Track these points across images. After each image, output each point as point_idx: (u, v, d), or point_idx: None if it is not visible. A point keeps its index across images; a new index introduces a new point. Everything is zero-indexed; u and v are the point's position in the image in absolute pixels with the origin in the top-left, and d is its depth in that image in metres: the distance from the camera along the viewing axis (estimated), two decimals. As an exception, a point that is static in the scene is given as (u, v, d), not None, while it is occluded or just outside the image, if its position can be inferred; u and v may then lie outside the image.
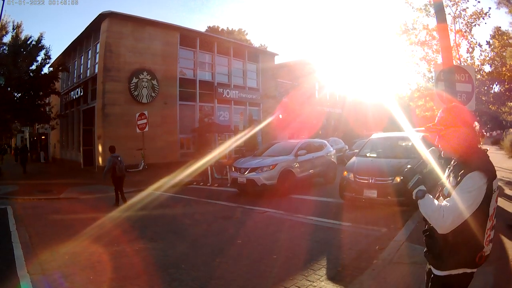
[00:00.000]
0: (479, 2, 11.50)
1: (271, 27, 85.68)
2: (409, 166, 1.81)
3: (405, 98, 18.58)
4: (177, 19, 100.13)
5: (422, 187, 1.71)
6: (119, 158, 8.54)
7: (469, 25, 11.69)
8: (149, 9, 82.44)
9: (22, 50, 16.54)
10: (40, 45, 17.05)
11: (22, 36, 17.06)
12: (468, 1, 11.58)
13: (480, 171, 1.59)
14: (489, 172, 1.61)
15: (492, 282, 3.34)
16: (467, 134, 1.70)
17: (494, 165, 1.71)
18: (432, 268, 1.74)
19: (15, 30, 16.88)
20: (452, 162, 1.82)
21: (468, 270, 1.67)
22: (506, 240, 4.37)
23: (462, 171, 1.63)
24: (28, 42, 16.96)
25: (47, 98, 18.99)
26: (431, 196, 1.69)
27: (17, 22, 17.08)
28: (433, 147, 1.83)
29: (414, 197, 1.70)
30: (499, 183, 8.68)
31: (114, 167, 8.42)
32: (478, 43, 12.28)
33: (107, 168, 8.46)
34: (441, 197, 1.74)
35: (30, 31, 59.12)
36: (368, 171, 6.88)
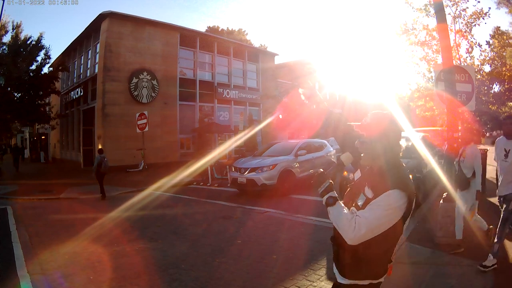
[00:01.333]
0: (478, 2, 11.51)
1: (271, 27, 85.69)
2: (321, 170, 1.72)
3: (405, 98, 18.59)
4: (177, 19, 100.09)
5: (333, 194, 1.60)
6: (105, 159, 9.96)
7: (469, 25, 11.69)
8: (149, 9, 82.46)
9: (22, 50, 16.55)
10: (40, 45, 17.07)
11: (22, 36, 17.09)
12: (468, 1, 11.58)
13: (401, 190, 1.49)
14: (409, 190, 1.52)
15: (491, 282, 3.34)
16: (386, 145, 1.61)
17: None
18: (338, 276, 1.66)
19: (14, 30, 16.90)
20: (367, 169, 1.71)
21: (375, 281, 1.59)
22: (506, 240, 4.35)
23: (381, 186, 1.51)
24: (28, 42, 16.97)
25: (47, 98, 19.00)
26: (342, 204, 1.58)
27: (17, 22, 17.12)
28: (347, 153, 1.73)
29: (324, 203, 1.60)
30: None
31: (100, 164, 9.72)
32: (478, 43, 12.28)
33: (95, 165, 9.87)
34: (353, 206, 1.61)
35: (30, 31, 59.10)
36: (368, 171, 6.87)
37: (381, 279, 1.61)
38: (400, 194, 1.49)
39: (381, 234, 1.48)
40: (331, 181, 1.66)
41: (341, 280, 1.64)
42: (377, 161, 1.62)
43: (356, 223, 1.46)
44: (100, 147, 11.66)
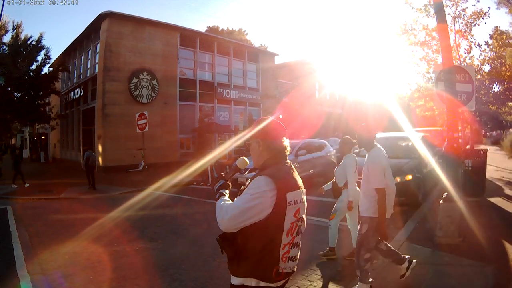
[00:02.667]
0: (478, 1, 11.51)
1: (271, 27, 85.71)
2: (223, 174, 1.82)
3: (405, 98, 18.60)
4: (177, 19, 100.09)
5: (224, 191, 1.69)
6: (93, 154, 11.99)
7: (468, 25, 11.69)
8: (149, 9, 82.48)
9: (22, 50, 16.55)
10: (40, 45, 17.07)
11: (22, 36, 17.09)
12: (467, 1, 11.58)
13: (269, 177, 1.53)
14: (281, 181, 1.54)
15: (492, 282, 3.34)
16: (265, 148, 1.67)
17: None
18: (231, 276, 1.64)
19: (15, 30, 16.89)
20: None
21: (263, 284, 1.55)
22: (506, 240, 4.36)
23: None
24: (28, 42, 16.97)
25: (47, 98, 18.99)
26: (227, 198, 1.65)
27: (17, 22, 17.12)
28: (242, 157, 1.77)
29: (216, 198, 1.68)
30: (499, 183, 8.70)
31: (88, 159, 11.53)
32: (477, 43, 12.27)
33: (84, 160, 11.76)
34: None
35: (30, 31, 59.13)
36: (368, 171, 6.87)
37: (272, 285, 1.56)
38: (266, 180, 1.52)
39: (256, 226, 1.49)
40: (224, 181, 1.74)
41: (232, 280, 1.62)
42: (259, 160, 1.70)
43: (225, 208, 1.53)
44: (89, 146, 14.13)
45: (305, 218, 1.67)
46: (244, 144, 1.81)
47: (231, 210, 1.50)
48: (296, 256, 1.63)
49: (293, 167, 1.72)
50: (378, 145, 3.45)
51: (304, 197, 1.68)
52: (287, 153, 1.72)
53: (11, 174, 12.68)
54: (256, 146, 1.71)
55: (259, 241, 1.51)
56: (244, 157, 1.78)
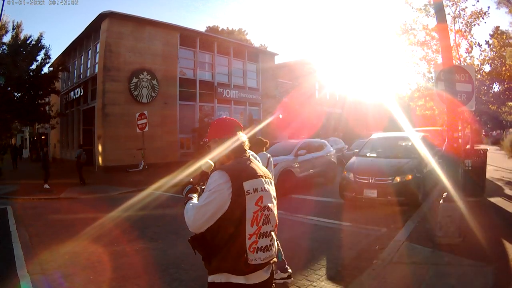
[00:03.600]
0: (478, 1, 11.50)
1: (271, 27, 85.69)
2: (191, 179, 1.89)
3: (405, 98, 18.59)
4: (177, 19, 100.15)
5: (192, 195, 1.75)
6: (83, 152, 12.76)
7: (468, 25, 11.67)
8: (149, 9, 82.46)
9: (21, 50, 16.54)
10: (40, 45, 17.06)
11: (22, 36, 17.08)
12: (466, 0, 11.57)
13: (222, 170, 1.58)
14: (234, 171, 1.57)
15: (492, 282, 3.34)
16: (217, 144, 1.75)
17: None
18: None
19: (15, 30, 16.88)
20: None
21: (234, 280, 1.54)
22: (506, 240, 4.36)
23: None
24: (28, 42, 16.96)
25: (47, 98, 18.99)
26: (194, 201, 1.70)
27: (17, 22, 17.10)
28: (206, 160, 1.83)
29: (184, 202, 1.73)
30: (499, 183, 8.70)
31: (79, 156, 12.49)
32: (477, 43, 12.26)
33: (75, 156, 12.77)
34: None
35: (30, 31, 59.03)
36: (368, 171, 6.89)
37: (243, 280, 1.54)
38: (220, 173, 1.56)
39: (220, 220, 1.51)
40: (192, 185, 1.82)
41: (208, 278, 1.66)
42: (219, 158, 1.75)
43: (189, 210, 1.58)
44: (80, 144, 15.61)
45: (272, 207, 1.64)
46: (205, 147, 1.77)
47: (193, 212, 1.54)
48: (267, 246, 1.59)
49: (252, 158, 1.75)
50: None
51: (269, 186, 1.66)
52: (246, 147, 1.76)
53: (11, 174, 12.68)
54: (215, 146, 1.77)
55: (224, 234, 1.52)
56: (208, 160, 1.83)
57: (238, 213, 1.52)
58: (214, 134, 1.80)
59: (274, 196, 1.71)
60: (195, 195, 1.76)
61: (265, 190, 1.62)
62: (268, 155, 4.73)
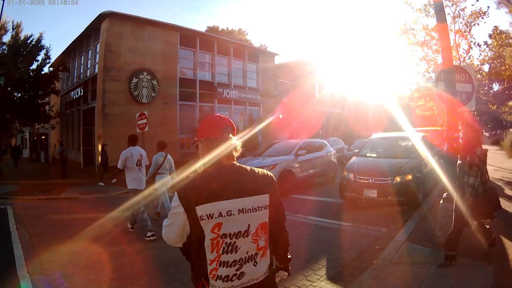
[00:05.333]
0: (477, 1, 11.51)
1: (271, 27, 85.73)
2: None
3: (405, 98, 18.55)
4: (177, 19, 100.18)
5: None
6: (65, 149, 15.14)
7: (468, 24, 11.67)
8: (149, 9, 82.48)
9: (21, 50, 16.53)
10: (40, 45, 17.05)
11: (22, 36, 17.08)
12: (466, 0, 11.58)
13: (177, 191, 1.42)
14: (186, 192, 1.39)
15: (492, 282, 3.34)
16: (207, 148, 1.50)
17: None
18: None
19: (15, 30, 16.87)
20: None
21: None
22: (506, 240, 4.36)
23: None
24: (28, 42, 16.95)
25: (47, 98, 18.99)
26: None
27: (17, 22, 17.10)
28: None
29: None
30: (499, 183, 8.69)
31: (62, 153, 14.65)
32: (477, 43, 12.27)
33: (59, 152, 15.07)
34: None
35: (30, 31, 59.04)
36: (368, 171, 6.89)
37: None
38: (175, 194, 1.42)
39: (188, 237, 1.45)
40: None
41: None
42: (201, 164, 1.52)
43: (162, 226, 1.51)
44: (61, 141, 18.37)
45: (240, 232, 1.39)
46: (193, 146, 1.67)
47: (163, 229, 1.50)
48: (230, 276, 1.39)
49: (239, 166, 1.49)
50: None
51: (239, 207, 1.39)
52: (236, 153, 1.51)
53: (12, 174, 12.69)
54: (200, 147, 1.54)
55: (192, 252, 1.46)
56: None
57: (197, 237, 1.40)
58: (201, 133, 1.54)
59: (258, 219, 1.43)
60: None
61: (230, 215, 1.37)
62: (162, 154, 6.42)
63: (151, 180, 6.31)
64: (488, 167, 7.78)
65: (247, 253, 1.41)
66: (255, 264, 1.44)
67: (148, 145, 14.95)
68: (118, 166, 5.69)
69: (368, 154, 8.01)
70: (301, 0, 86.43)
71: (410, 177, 6.52)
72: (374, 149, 8.19)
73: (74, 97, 20.21)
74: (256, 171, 1.51)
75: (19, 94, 16.74)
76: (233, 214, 1.38)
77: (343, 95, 30.11)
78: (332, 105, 28.91)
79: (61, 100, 22.27)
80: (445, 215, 4.40)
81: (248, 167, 1.52)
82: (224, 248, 1.38)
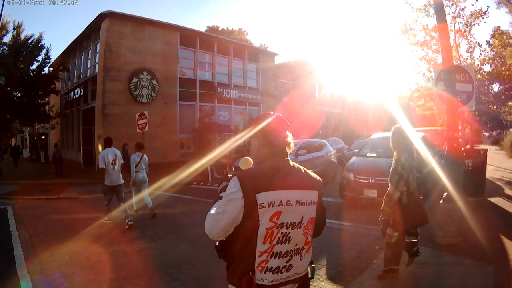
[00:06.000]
0: (477, 1, 11.52)
1: (271, 27, 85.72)
2: (229, 174, 1.62)
3: (405, 98, 18.55)
4: (177, 19, 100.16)
5: (223, 194, 1.55)
6: (59, 149, 16.31)
7: (468, 24, 11.68)
8: (149, 9, 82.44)
9: (22, 50, 16.53)
10: (40, 45, 17.05)
11: (23, 36, 17.07)
12: (466, 0, 11.59)
13: (238, 177, 1.39)
14: (249, 179, 1.38)
15: (492, 282, 3.34)
16: (264, 144, 1.53)
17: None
18: None
19: (15, 30, 16.86)
20: None
21: None
22: (506, 240, 4.37)
23: None
24: (29, 42, 16.95)
25: (47, 98, 19.01)
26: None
27: (18, 22, 17.07)
28: (245, 157, 1.67)
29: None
30: (499, 183, 8.70)
31: (56, 153, 15.77)
32: (477, 43, 12.27)
33: (53, 153, 16.60)
34: None
35: (30, 31, 58.99)
36: (368, 171, 6.88)
37: None
38: (235, 180, 1.38)
39: (236, 229, 1.38)
40: (227, 183, 1.55)
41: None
42: (256, 158, 1.58)
43: (208, 216, 1.43)
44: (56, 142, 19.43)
45: (297, 224, 1.42)
46: (245, 143, 1.77)
47: (210, 218, 1.41)
48: (279, 268, 1.40)
49: (292, 164, 1.52)
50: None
51: (296, 198, 1.42)
52: (289, 150, 1.56)
53: (12, 174, 12.69)
54: (255, 143, 1.57)
55: (238, 246, 1.40)
56: (247, 157, 1.66)
57: (249, 227, 1.36)
58: (260, 130, 1.57)
59: (309, 212, 1.46)
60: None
61: (289, 205, 1.40)
62: (139, 155, 7.02)
63: (133, 176, 7.04)
64: (488, 167, 7.80)
65: (296, 245, 1.43)
66: (301, 258, 1.46)
67: (148, 145, 15.03)
68: (100, 166, 6.31)
69: (368, 154, 8.01)
70: (301, 0, 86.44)
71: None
72: (374, 149, 8.19)
73: (74, 97, 20.21)
74: (307, 171, 1.56)
75: (19, 94, 16.75)
76: (291, 205, 1.41)
77: (343, 95, 30.11)
78: (332, 105, 28.91)
79: (61, 100, 22.28)
80: (445, 215, 4.40)
81: (295, 164, 1.54)
82: (279, 238, 1.38)
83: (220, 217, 1.37)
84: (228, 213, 1.36)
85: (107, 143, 6.58)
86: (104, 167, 6.22)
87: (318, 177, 1.58)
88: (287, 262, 1.41)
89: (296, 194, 1.43)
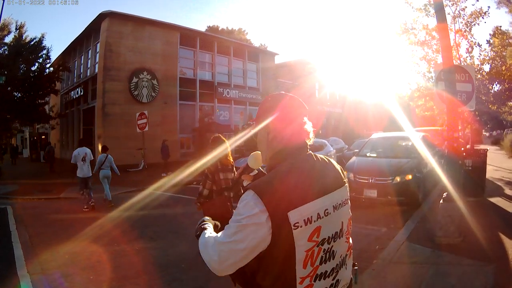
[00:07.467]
0: (477, 0, 11.53)
1: (271, 27, 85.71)
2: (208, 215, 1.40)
3: (405, 98, 18.56)
4: (177, 19, 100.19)
5: (206, 224, 1.27)
6: (52, 147, 17.84)
7: (468, 24, 11.68)
8: (149, 9, 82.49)
9: (23, 50, 16.52)
10: (41, 45, 17.05)
11: (25, 37, 17.05)
12: (466, 0, 11.59)
13: (256, 191, 1.04)
14: (275, 196, 1.03)
15: (492, 282, 3.33)
16: (275, 136, 1.18)
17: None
18: None
19: (17, 30, 16.83)
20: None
21: None
22: (506, 240, 4.36)
23: None
24: (32, 43, 16.94)
25: (46, 98, 19.01)
26: (212, 231, 1.22)
27: (21, 22, 17.04)
28: (255, 153, 1.31)
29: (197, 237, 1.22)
30: (499, 183, 8.70)
31: (50, 151, 16.83)
32: (477, 43, 12.28)
33: (47, 150, 17.37)
34: None
35: (30, 31, 58.99)
36: (368, 171, 6.89)
37: None
38: (254, 197, 1.03)
39: (259, 257, 1.06)
40: (206, 218, 1.33)
41: None
42: (267, 154, 1.22)
43: (210, 245, 1.10)
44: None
45: (337, 233, 1.14)
46: (251, 137, 1.48)
47: (215, 249, 1.07)
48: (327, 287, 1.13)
49: (316, 157, 1.19)
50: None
51: (333, 203, 1.13)
52: (309, 141, 1.20)
53: (11, 173, 12.69)
54: (264, 135, 1.20)
55: (266, 275, 1.09)
56: (259, 152, 1.29)
57: (283, 253, 1.05)
58: (263, 115, 1.20)
59: (347, 213, 1.23)
60: (211, 225, 1.29)
61: (327, 215, 1.10)
62: (105, 156, 8.16)
63: (97, 173, 8.25)
64: (488, 167, 7.79)
65: (340, 257, 1.17)
66: (346, 268, 1.22)
67: (148, 145, 15.07)
68: (72, 161, 7.93)
69: (368, 154, 8.01)
70: (301, 0, 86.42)
71: (410, 177, 6.52)
72: (374, 149, 8.19)
73: (74, 97, 20.22)
74: (327, 159, 1.24)
75: (19, 94, 16.75)
76: (329, 213, 1.11)
77: (343, 94, 30.09)
78: (332, 105, 28.90)
79: (61, 99, 22.28)
80: (445, 215, 4.40)
81: (318, 156, 1.22)
82: (322, 257, 1.09)
83: (238, 247, 1.03)
84: (249, 241, 1.02)
85: (80, 144, 8.36)
86: (75, 162, 7.86)
87: (336, 164, 1.28)
88: (333, 279, 1.14)
89: (333, 197, 1.13)
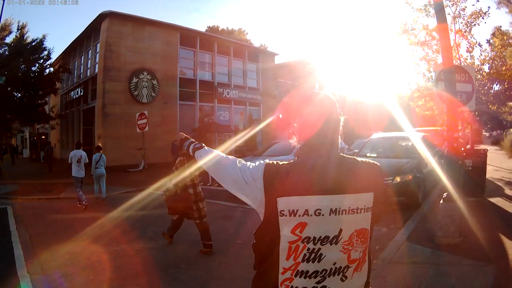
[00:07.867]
0: (478, 1, 11.54)
1: (271, 27, 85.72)
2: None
3: (405, 98, 18.56)
4: (177, 19, 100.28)
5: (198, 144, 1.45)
6: (51, 146, 18.24)
7: (468, 24, 11.70)
8: (149, 9, 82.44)
9: (24, 51, 16.54)
10: (42, 46, 17.07)
11: (26, 37, 17.05)
12: (466, 0, 11.60)
13: (266, 166, 1.14)
14: (275, 174, 1.10)
15: (492, 282, 3.34)
16: (299, 132, 1.25)
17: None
18: None
19: (19, 31, 16.83)
20: None
21: None
22: (506, 240, 4.36)
23: None
24: (33, 44, 16.95)
25: (46, 98, 19.04)
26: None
27: (23, 23, 17.04)
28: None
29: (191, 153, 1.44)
30: (499, 183, 8.70)
31: (48, 150, 17.35)
32: (478, 43, 12.29)
33: (46, 149, 18.03)
34: None
35: (30, 31, 59.03)
36: (368, 171, 6.87)
37: None
38: (261, 169, 1.16)
39: (258, 232, 1.17)
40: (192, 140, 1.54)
41: None
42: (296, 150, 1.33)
43: (223, 159, 1.30)
44: (49, 141, 21.16)
45: (328, 237, 1.09)
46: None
47: (231, 163, 1.25)
48: None
49: (341, 159, 1.20)
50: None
51: (331, 206, 1.09)
52: (338, 140, 1.24)
53: (11, 172, 12.68)
54: (294, 127, 1.27)
55: (259, 251, 1.17)
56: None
57: (271, 234, 1.11)
58: (295, 114, 1.25)
59: (355, 223, 1.13)
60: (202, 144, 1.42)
61: (318, 215, 1.08)
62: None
63: (93, 172, 8.97)
64: (488, 167, 7.79)
65: (334, 264, 1.11)
66: (343, 279, 1.14)
67: (148, 145, 15.07)
68: (69, 161, 8.65)
69: (368, 154, 8.02)
70: (301, 0, 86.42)
71: (410, 177, 6.52)
72: (374, 149, 8.20)
73: (74, 97, 20.23)
74: (360, 162, 1.22)
75: (19, 94, 16.76)
76: (323, 215, 1.08)
77: (343, 95, 30.08)
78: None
79: (61, 100, 22.29)
80: (445, 215, 4.40)
81: (351, 157, 1.23)
82: (305, 254, 1.09)
83: (241, 181, 1.17)
84: (248, 191, 1.17)
85: (76, 146, 9.11)
86: (71, 162, 8.57)
87: (375, 164, 1.24)
88: (317, 283, 1.10)
89: (335, 200, 1.09)
